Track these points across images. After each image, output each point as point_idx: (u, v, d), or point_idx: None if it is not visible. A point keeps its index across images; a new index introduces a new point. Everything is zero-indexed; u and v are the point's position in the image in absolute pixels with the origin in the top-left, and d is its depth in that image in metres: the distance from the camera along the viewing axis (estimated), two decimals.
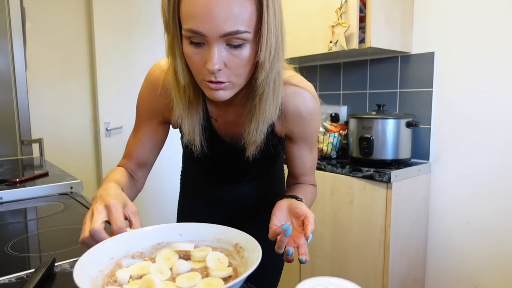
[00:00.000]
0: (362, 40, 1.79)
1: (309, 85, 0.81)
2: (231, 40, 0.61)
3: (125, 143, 0.90)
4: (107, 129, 2.50)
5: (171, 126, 0.90)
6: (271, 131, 0.81)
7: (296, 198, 0.78)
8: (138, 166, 0.89)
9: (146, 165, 0.90)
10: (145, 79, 0.84)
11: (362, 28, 1.79)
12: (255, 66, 0.67)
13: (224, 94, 0.67)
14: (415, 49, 1.96)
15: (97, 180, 2.59)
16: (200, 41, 0.62)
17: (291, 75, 0.79)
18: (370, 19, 1.74)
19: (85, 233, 0.58)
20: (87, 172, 2.55)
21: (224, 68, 0.64)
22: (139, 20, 2.60)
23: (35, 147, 1.90)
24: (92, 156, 2.58)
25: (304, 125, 0.81)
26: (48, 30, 2.35)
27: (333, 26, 1.80)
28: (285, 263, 1.13)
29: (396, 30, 1.87)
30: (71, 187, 1.21)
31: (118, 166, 0.89)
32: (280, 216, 0.74)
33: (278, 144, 0.87)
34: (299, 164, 0.89)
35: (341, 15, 1.78)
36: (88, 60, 2.52)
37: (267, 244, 1.04)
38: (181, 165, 1.10)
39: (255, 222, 1.03)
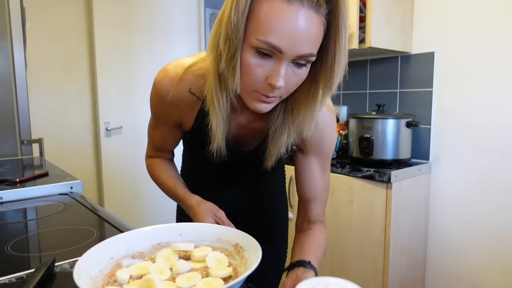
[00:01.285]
0: (362, 40, 1.79)
1: (329, 100, 0.79)
2: (298, 60, 0.61)
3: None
4: (107, 129, 2.50)
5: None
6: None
7: (304, 264, 0.72)
8: (169, 153, 0.97)
9: (173, 149, 0.98)
10: (154, 86, 0.81)
11: (362, 28, 1.79)
12: (317, 86, 0.66)
13: (269, 107, 0.67)
14: (415, 49, 1.96)
15: (97, 180, 2.59)
16: (268, 53, 0.60)
17: None
18: (370, 19, 1.74)
19: None
20: (87, 172, 2.55)
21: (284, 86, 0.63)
22: (139, 20, 2.60)
23: (35, 147, 1.90)
24: (92, 156, 2.58)
25: (319, 135, 0.79)
26: (48, 30, 2.35)
27: None
28: (285, 263, 1.13)
29: (396, 30, 1.87)
30: (71, 187, 1.21)
31: (153, 157, 0.96)
32: None
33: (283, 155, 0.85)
34: (309, 181, 0.83)
35: None
36: (88, 60, 2.51)
37: (269, 245, 1.04)
38: (181, 165, 1.10)
39: (256, 223, 1.03)
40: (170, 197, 0.92)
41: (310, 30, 0.58)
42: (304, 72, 0.63)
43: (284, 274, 0.76)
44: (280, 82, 0.60)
